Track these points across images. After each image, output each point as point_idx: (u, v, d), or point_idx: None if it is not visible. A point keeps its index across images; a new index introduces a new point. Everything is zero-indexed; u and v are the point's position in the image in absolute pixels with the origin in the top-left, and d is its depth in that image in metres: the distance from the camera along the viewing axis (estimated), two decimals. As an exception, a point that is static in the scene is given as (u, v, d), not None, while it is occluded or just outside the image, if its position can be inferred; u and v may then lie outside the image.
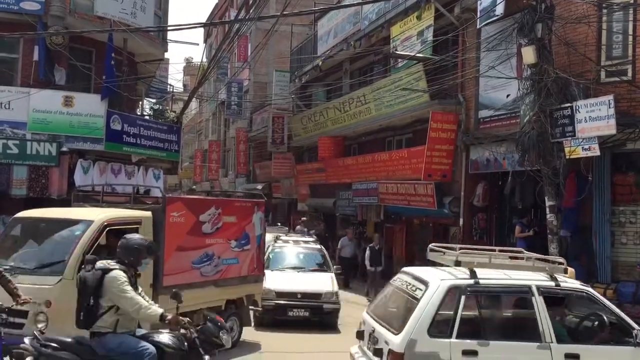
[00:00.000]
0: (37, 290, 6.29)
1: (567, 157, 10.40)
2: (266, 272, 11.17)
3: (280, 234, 14.25)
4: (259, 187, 28.63)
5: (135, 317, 5.18)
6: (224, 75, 32.92)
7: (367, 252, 15.91)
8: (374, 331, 6.03)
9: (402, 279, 6.34)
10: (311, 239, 13.96)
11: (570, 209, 11.07)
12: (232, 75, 31.25)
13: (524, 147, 10.89)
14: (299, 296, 10.95)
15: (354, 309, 11.74)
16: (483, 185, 13.64)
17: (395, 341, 5.45)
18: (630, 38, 10.41)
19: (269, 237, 12.86)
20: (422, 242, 15.27)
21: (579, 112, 10.13)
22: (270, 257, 12.42)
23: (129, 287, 5.08)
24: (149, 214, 7.87)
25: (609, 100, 9.72)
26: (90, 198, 9.28)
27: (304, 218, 20.94)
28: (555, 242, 10.90)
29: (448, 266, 6.02)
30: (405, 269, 6.73)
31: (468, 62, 13.54)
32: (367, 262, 15.78)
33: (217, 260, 8.91)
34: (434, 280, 5.72)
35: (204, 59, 25.02)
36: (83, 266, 5.48)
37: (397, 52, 15.14)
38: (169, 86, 24.84)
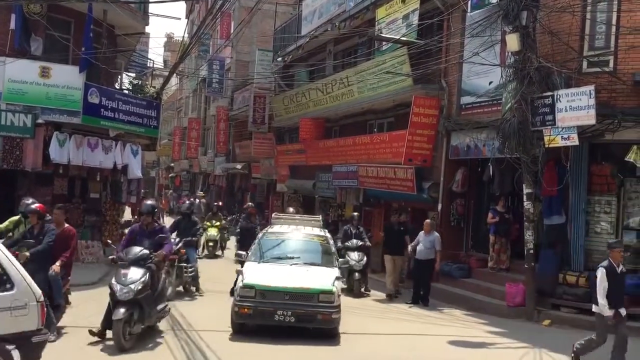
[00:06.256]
0: None
1: (546, 145, 10.49)
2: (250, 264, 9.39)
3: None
4: (239, 166, 28.49)
5: None
6: (206, 52, 32.51)
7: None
8: None
9: None
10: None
11: (552, 197, 11.15)
12: (214, 53, 30.86)
13: (505, 134, 10.95)
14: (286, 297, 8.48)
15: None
16: (462, 171, 13.72)
17: None
18: (614, 29, 10.47)
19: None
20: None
21: (560, 101, 10.20)
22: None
23: None
24: None
25: (589, 91, 9.80)
26: None
27: (291, 209, 17.28)
28: (531, 229, 11.04)
29: None
30: None
31: (452, 47, 13.51)
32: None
33: None
34: None
35: (186, 35, 24.66)
36: None
37: (381, 34, 15.05)
38: (149, 61, 24.39)
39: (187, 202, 14.54)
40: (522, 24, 10.75)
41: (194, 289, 12.01)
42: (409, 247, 12.71)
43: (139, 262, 7.89)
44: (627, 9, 10.36)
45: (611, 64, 10.53)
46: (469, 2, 12.37)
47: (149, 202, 9.42)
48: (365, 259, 13.10)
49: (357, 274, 12.80)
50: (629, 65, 10.33)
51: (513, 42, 10.68)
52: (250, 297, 8.44)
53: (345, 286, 12.46)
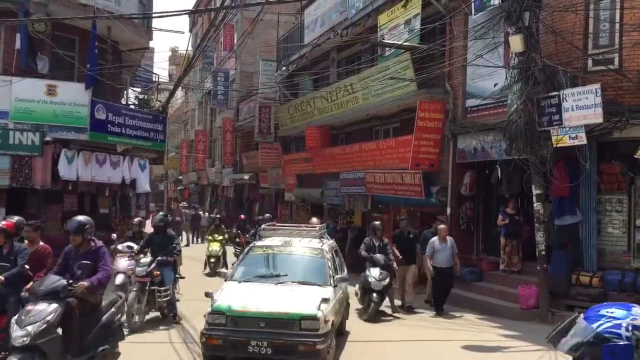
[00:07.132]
0: None
1: (554, 145, 10.43)
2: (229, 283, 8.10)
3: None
4: (246, 177, 28.53)
5: None
6: (210, 64, 32.66)
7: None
8: None
9: None
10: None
11: (563, 197, 11.05)
12: (218, 65, 31.03)
13: (511, 135, 10.91)
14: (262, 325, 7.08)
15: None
16: (470, 174, 13.66)
17: None
18: (618, 26, 10.43)
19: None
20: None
21: (566, 100, 10.15)
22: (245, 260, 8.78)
23: None
24: None
25: (595, 89, 9.75)
26: None
27: (315, 220, 14.77)
28: (542, 230, 10.97)
29: None
30: None
31: (455, 50, 13.50)
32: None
33: None
34: None
35: (190, 48, 24.83)
36: None
37: (384, 40, 15.06)
38: (154, 75, 24.55)
39: (160, 214, 12.51)
40: (525, 24, 10.72)
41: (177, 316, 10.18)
42: (426, 260, 11.73)
43: (52, 295, 5.97)
44: (630, 6, 10.32)
45: (616, 62, 10.48)
46: (472, 5, 12.36)
47: (79, 217, 6.85)
48: (388, 279, 11.00)
49: (375, 295, 10.82)
50: (634, 62, 10.28)
51: (516, 43, 10.65)
52: (220, 324, 7.08)
53: (361, 306, 11.24)
